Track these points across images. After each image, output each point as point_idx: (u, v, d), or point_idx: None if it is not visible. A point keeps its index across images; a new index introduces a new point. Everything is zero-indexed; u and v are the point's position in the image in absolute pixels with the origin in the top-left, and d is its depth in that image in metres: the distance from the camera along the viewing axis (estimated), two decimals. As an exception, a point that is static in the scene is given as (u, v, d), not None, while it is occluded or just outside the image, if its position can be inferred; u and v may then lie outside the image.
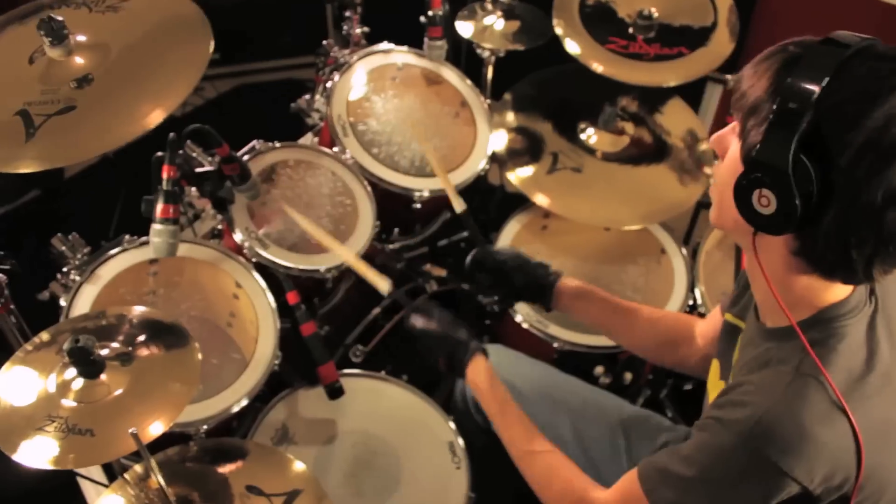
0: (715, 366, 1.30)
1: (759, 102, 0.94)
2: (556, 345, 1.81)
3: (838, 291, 1.01)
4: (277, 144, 1.80)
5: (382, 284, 1.47)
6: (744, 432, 0.97)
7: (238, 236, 1.66)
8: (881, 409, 1.00)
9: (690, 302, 1.91)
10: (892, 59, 0.90)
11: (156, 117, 1.44)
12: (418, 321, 1.48)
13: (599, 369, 1.81)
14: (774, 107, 0.91)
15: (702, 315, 1.88)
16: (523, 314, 1.85)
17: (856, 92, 0.88)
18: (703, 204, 2.24)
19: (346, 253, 1.55)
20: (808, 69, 0.90)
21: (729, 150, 1.02)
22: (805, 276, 1.00)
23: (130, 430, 1.08)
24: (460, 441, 1.62)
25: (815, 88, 0.88)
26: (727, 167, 1.01)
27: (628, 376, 1.83)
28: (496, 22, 2.11)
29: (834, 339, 1.00)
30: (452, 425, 1.65)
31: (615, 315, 1.53)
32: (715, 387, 1.28)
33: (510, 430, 1.36)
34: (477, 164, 1.99)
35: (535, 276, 1.57)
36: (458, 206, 1.59)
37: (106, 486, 1.53)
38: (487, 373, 1.42)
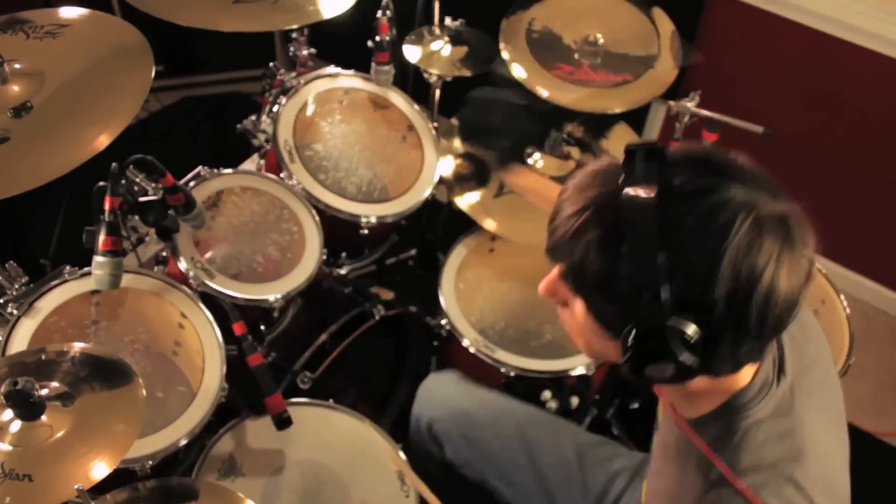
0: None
1: (603, 281, 0.90)
2: (503, 370, 1.82)
3: (742, 376, 1.00)
4: (224, 171, 1.78)
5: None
6: None
7: (183, 265, 1.63)
8: (811, 487, 0.99)
9: (635, 325, 1.94)
10: (703, 191, 0.87)
11: (100, 143, 1.42)
12: None
13: (547, 394, 1.83)
14: (625, 291, 0.87)
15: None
16: (470, 339, 1.86)
17: (698, 256, 0.85)
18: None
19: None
20: (637, 242, 0.86)
21: (570, 303, 0.99)
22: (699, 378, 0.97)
23: (76, 486, 1.06)
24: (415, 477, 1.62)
25: (658, 262, 0.85)
26: (581, 324, 0.98)
27: (575, 400, 1.85)
28: (444, 47, 2.12)
29: (738, 435, 0.98)
30: (402, 455, 1.65)
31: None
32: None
33: None
34: (424, 189, 1.99)
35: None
36: None
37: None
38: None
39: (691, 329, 0.86)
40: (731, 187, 0.86)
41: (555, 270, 0.99)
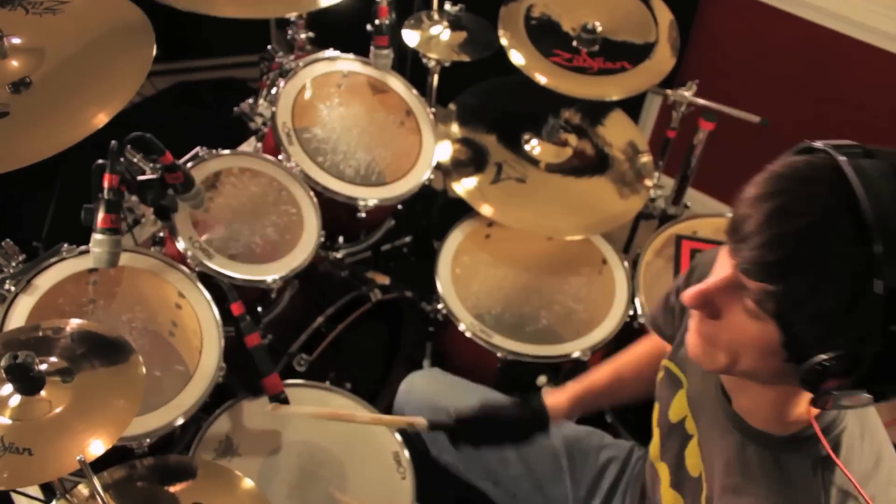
0: (655, 409, 1.31)
1: (828, 310, 0.81)
2: (499, 354, 1.83)
3: None
4: (222, 152, 1.78)
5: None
6: None
7: (181, 245, 1.63)
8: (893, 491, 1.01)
9: (631, 312, 1.95)
10: None
11: (99, 121, 1.42)
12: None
13: (542, 379, 1.84)
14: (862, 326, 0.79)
15: (642, 325, 1.92)
16: (466, 324, 1.87)
17: None
18: (644, 215, 2.29)
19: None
20: (891, 261, 0.77)
21: (730, 316, 0.91)
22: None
23: (78, 458, 1.06)
24: (405, 452, 1.63)
25: None
26: (742, 342, 0.91)
27: (570, 385, 1.85)
28: (442, 32, 2.12)
29: (843, 449, 0.97)
30: (398, 436, 1.65)
31: (611, 396, 1.51)
32: (654, 432, 1.30)
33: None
34: (422, 173, 1.99)
35: (523, 419, 1.47)
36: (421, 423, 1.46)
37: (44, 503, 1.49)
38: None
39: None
40: None
41: (719, 279, 0.91)
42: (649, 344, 1.48)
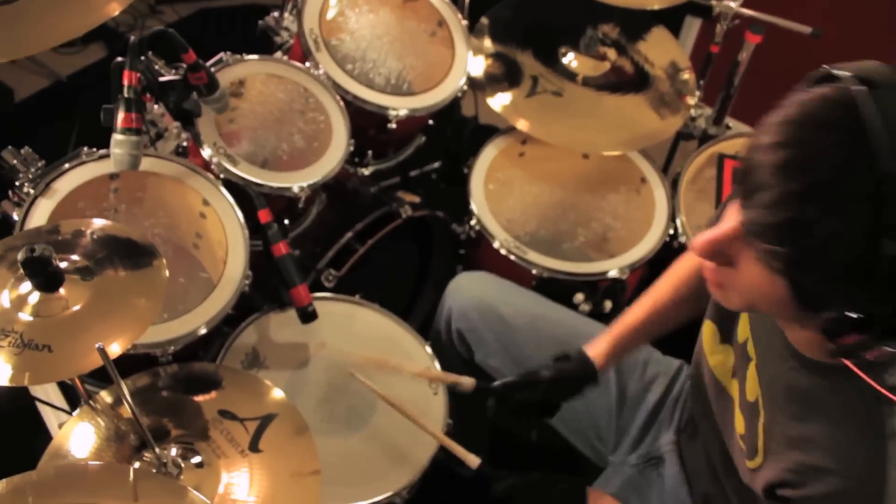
0: (711, 329, 1.24)
1: (837, 274, 0.78)
2: (534, 271, 1.76)
3: None
4: (247, 57, 1.70)
5: (472, 459, 1.34)
6: None
7: (206, 152, 1.56)
8: None
9: (671, 231, 1.87)
10: None
11: (112, 9, 1.35)
12: (514, 488, 1.34)
13: (579, 297, 1.77)
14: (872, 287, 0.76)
15: (682, 244, 1.84)
16: (500, 240, 1.80)
17: None
18: (683, 135, 2.20)
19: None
20: None
21: (742, 266, 0.87)
22: None
23: (97, 345, 1.00)
24: (437, 365, 1.58)
25: None
26: (757, 291, 0.87)
27: (608, 304, 1.79)
28: (477, -63, 2.01)
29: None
30: (429, 349, 1.60)
31: (651, 331, 1.43)
32: (718, 352, 1.23)
33: None
34: (454, 84, 1.91)
35: (568, 374, 1.40)
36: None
37: (69, 413, 1.46)
38: (609, 498, 1.32)
39: None
40: None
41: (728, 228, 0.86)
42: (682, 267, 1.41)
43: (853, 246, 0.75)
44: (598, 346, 1.41)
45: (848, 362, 0.90)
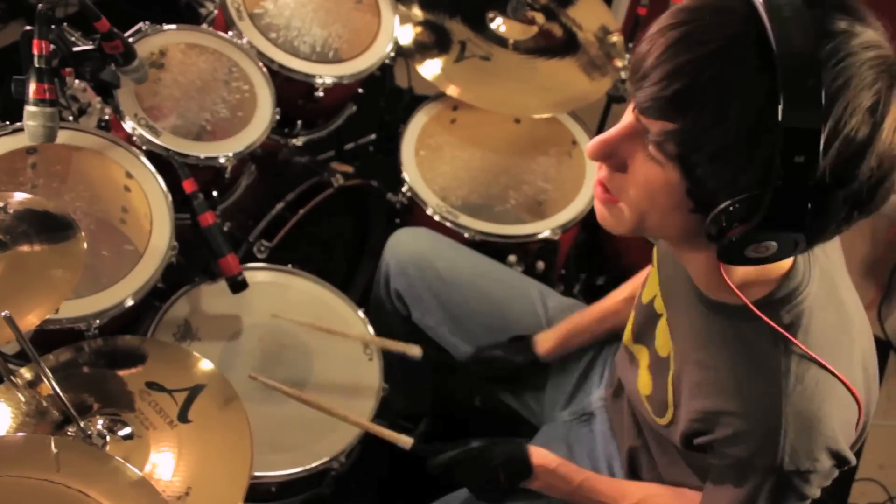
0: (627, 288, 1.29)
1: (733, 147, 0.76)
2: (467, 235, 1.77)
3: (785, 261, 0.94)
4: (166, 27, 1.67)
5: (404, 440, 1.34)
6: (775, 467, 0.94)
7: (128, 124, 1.53)
8: (857, 359, 0.98)
9: (602, 191, 1.89)
10: (867, 47, 0.75)
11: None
12: (452, 461, 1.33)
13: (512, 258, 1.78)
14: (763, 161, 0.75)
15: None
16: (432, 205, 1.80)
17: (861, 115, 0.74)
18: (614, 98, 2.22)
19: (357, 418, 1.41)
20: (795, 92, 0.72)
21: (634, 166, 0.85)
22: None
23: (3, 313, 0.98)
24: (371, 330, 1.58)
25: (818, 127, 0.72)
26: (650, 193, 0.85)
27: (541, 265, 1.81)
28: None
29: (805, 317, 0.93)
30: (362, 314, 1.60)
31: (594, 334, 1.48)
32: (630, 316, 1.26)
33: (597, 497, 1.26)
34: (381, 50, 1.89)
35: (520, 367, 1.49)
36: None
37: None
38: (551, 454, 1.31)
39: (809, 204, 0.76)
40: (868, 29, 0.76)
41: (621, 127, 0.85)
42: (632, 287, 1.44)
43: (745, 114, 0.74)
44: (545, 340, 1.48)
45: (745, 299, 0.91)
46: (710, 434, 1.00)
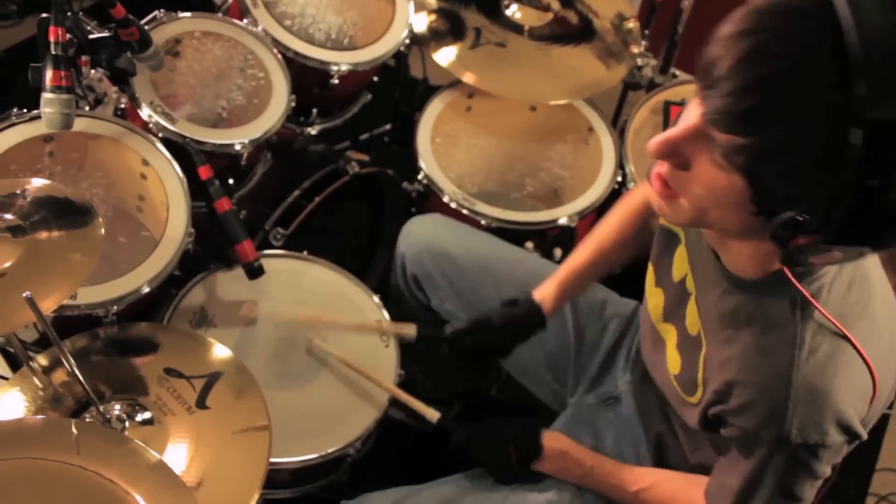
0: (650, 271, 1.25)
1: (800, 164, 0.74)
2: (483, 222, 1.76)
3: None
4: (181, 14, 1.66)
5: (431, 413, 1.35)
6: (782, 439, 0.93)
7: (144, 112, 1.53)
8: (882, 338, 0.97)
9: (619, 178, 1.87)
10: None
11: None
12: (472, 435, 1.34)
13: (529, 245, 1.77)
14: (842, 181, 0.72)
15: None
16: (449, 192, 1.79)
17: None
18: (631, 85, 2.20)
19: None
20: (878, 125, 0.70)
21: (698, 166, 0.83)
22: None
23: (24, 294, 0.98)
24: (386, 315, 1.57)
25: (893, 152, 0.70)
26: (711, 194, 0.84)
27: (558, 252, 1.80)
28: None
29: (825, 290, 0.92)
30: (377, 300, 1.59)
31: (598, 269, 1.44)
32: (652, 294, 1.24)
33: (609, 481, 1.26)
34: (396, 38, 1.89)
35: (517, 318, 1.42)
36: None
37: (6, 380, 1.44)
38: (564, 437, 1.31)
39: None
40: None
41: (685, 127, 0.82)
42: (625, 208, 1.42)
43: (817, 135, 0.72)
44: (545, 290, 1.42)
45: (784, 268, 0.90)
46: (722, 404, 1.00)
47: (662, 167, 0.88)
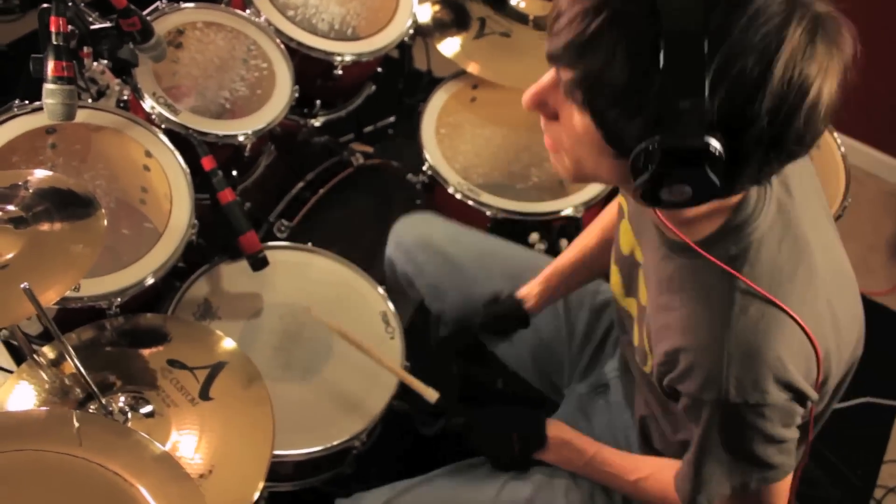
0: (612, 250, 1.26)
1: (628, 93, 0.77)
2: (489, 213, 1.75)
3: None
4: (184, 4, 1.65)
5: (430, 393, 1.35)
6: (720, 399, 0.92)
7: (147, 103, 1.52)
8: (817, 297, 0.95)
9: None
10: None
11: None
12: (473, 421, 1.34)
13: (534, 236, 1.76)
14: (655, 106, 0.75)
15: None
16: (454, 184, 1.78)
17: (747, 64, 0.73)
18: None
19: (391, 364, 1.42)
20: (678, 50, 0.72)
21: (564, 116, 0.86)
22: None
23: (22, 285, 0.98)
24: (391, 307, 1.57)
25: (701, 73, 0.72)
26: (576, 141, 0.86)
27: (564, 243, 1.79)
28: None
29: (753, 249, 0.92)
30: (383, 291, 1.59)
31: (583, 271, 1.44)
32: (613, 273, 1.24)
33: (608, 470, 1.25)
34: (400, 27, 1.87)
35: (498, 317, 1.46)
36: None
37: (10, 373, 1.43)
38: (567, 427, 1.30)
39: (720, 146, 0.76)
40: None
41: (547, 78, 0.87)
42: (609, 213, 1.42)
43: (630, 57, 0.75)
44: (529, 288, 1.44)
45: (684, 237, 0.93)
46: (671, 374, 1.00)
47: (542, 121, 0.92)
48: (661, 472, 1.20)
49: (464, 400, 1.93)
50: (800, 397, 0.94)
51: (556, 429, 1.29)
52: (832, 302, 0.97)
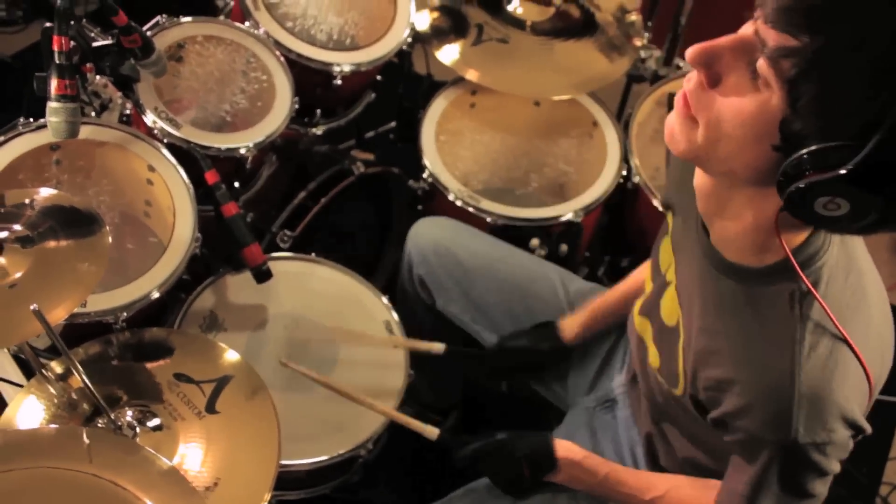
0: (649, 268, 1.26)
1: (853, 79, 0.68)
2: (489, 219, 1.76)
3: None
4: (183, 19, 1.67)
5: (430, 431, 1.34)
6: (789, 440, 0.91)
7: (149, 117, 1.54)
8: (870, 328, 0.95)
9: (624, 172, 1.87)
10: None
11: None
12: (477, 453, 1.31)
13: (535, 242, 1.77)
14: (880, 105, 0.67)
15: (636, 185, 1.85)
16: (454, 190, 1.79)
17: None
18: (634, 77, 2.20)
19: (384, 407, 1.41)
20: None
21: (729, 82, 0.78)
22: (788, 223, 0.84)
23: (32, 307, 0.99)
24: (395, 316, 1.58)
25: None
26: (736, 115, 0.78)
27: (564, 248, 1.79)
28: None
29: (822, 283, 0.90)
30: (386, 301, 1.60)
31: (619, 314, 1.44)
32: (646, 291, 1.24)
33: (622, 489, 1.23)
34: (398, 37, 1.89)
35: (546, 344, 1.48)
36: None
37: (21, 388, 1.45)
38: (576, 447, 1.28)
39: None
40: None
41: (729, 38, 0.77)
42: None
43: (880, 46, 0.66)
44: (570, 324, 1.47)
45: (786, 248, 0.87)
46: (720, 405, 0.98)
47: (690, 84, 0.83)
48: (676, 490, 1.19)
49: (470, 406, 1.95)
50: (858, 432, 0.94)
51: (565, 449, 1.27)
52: (882, 334, 0.98)
